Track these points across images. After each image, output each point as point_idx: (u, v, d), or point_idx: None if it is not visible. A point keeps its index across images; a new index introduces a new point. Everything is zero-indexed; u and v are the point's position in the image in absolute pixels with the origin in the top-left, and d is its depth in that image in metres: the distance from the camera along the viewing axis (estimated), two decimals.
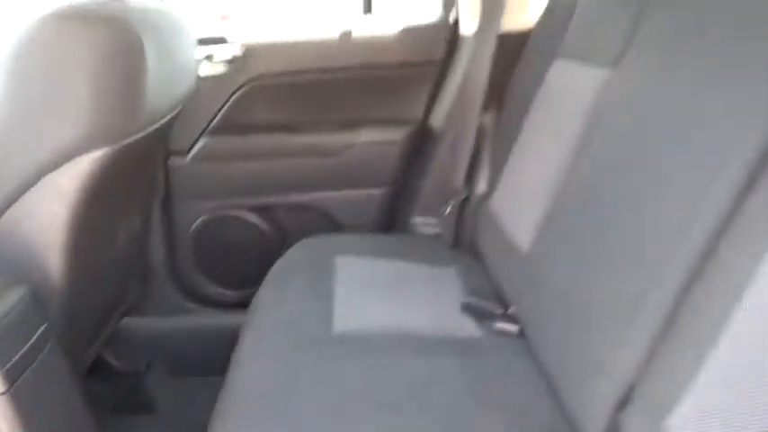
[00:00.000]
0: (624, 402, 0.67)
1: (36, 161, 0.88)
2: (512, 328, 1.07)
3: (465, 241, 1.49)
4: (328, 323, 1.05)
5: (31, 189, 0.89)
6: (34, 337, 0.85)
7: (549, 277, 0.93)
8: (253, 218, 1.64)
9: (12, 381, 0.78)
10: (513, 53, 1.42)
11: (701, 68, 0.72)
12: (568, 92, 1.10)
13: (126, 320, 1.57)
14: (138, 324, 1.60)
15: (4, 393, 0.76)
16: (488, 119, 1.48)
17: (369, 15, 1.65)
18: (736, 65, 0.66)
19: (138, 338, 1.59)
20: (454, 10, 1.56)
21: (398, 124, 1.60)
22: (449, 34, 1.57)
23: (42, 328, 0.88)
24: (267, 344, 1.01)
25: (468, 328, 1.08)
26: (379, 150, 1.61)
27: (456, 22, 1.56)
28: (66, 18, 0.89)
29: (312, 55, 1.56)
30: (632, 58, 0.91)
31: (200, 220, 1.62)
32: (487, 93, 1.44)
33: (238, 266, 1.63)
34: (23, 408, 0.79)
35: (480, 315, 1.12)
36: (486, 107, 1.46)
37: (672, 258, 0.64)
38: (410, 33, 1.57)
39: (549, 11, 1.36)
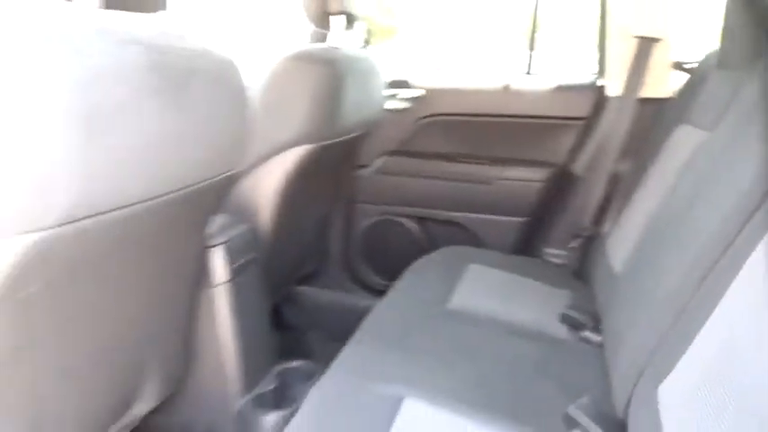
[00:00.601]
0: (640, 377, 0.83)
1: (269, 147, 1.29)
2: (596, 337, 1.22)
3: (587, 273, 1.64)
4: (445, 302, 1.30)
5: (262, 165, 1.29)
6: (249, 257, 1.23)
7: (623, 291, 1.09)
8: (412, 225, 1.95)
9: (233, 276, 1.15)
10: (649, 115, 1.57)
11: (752, 137, 0.86)
12: (679, 149, 1.24)
13: (301, 287, 1.95)
14: (309, 292, 1.97)
15: (228, 282, 1.14)
16: (622, 169, 1.62)
17: (529, 76, 1.88)
18: None
19: (307, 303, 1.96)
20: (603, 76, 1.74)
21: (542, 166, 1.81)
22: (597, 95, 1.74)
23: (254, 253, 1.25)
24: (397, 307, 1.29)
25: (559, 332, 1.26)
26: (523, 186, 1.82)
27: (604, 86, 1.74)
28: (298, 58, 1.32)
29: (478, 101, 1.84)
30: (724, 124, 1.05)
31: (370, 221, 1.96)
32: (624, 147, 1.60)
33: (394, 262, 1.92)
34: (236, 298, 1.16)
35: (574, 325, 1.28)
36: (621, 159, 1.62)
37: (689, 273, 0.80)
38: (562, 91, 1.77)
39: (688, 82, 1.49)
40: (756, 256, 0.66)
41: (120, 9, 0.68)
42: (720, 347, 0.67)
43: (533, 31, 1.83)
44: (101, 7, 0.66)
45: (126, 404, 1.03)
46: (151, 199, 0.71)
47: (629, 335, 0.96)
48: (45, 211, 0.57)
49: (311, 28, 1.61)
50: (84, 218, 0.62)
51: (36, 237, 0.59)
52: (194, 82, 0.72)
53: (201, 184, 0.81)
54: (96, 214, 0.63)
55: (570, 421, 0.89)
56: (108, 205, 0.65)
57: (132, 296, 0.88)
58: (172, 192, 0.74)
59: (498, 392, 0.97)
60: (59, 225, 0.60)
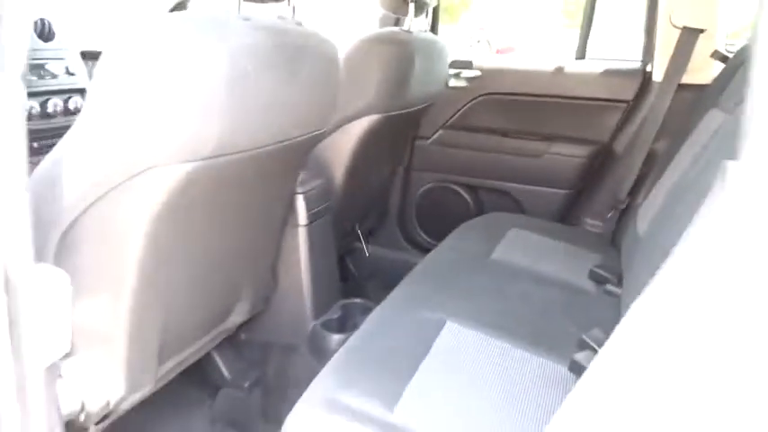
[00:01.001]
0: None
1: (344, 115, 1.52)
2: (619, 290, 1.40)
3: (619, 241, 1.80)
4: (487, 255, 1.50)
5: (339, 130, 1.53)
6: (323, 206, 1.47)
7: (642, 249, 1.27)
8: (462, 192, 2.15)
9: (311, 221, 1.40)
10: (688, 100, 1.70)
11: None
12: (706, 131, 1.39)
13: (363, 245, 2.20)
14: (370, 249, 2.21)
15: (306, 225, 1.39)
16: (659, 148, 1.77)
17: (579, 60, 2.03)
18: None
19: (368, 259, 2.20)
20: (649, 61, 1.87)
21: (586, 143, 1.96)
22: (642, 80, 1.88)
23: (327, 203, 1.50)
24: (444, 257, 1.50)
25: (586, 286, 1.44)
26: (568, 161, 1.99)
27: (650, 71, 1.88)
28: (373, 40, 1.54)
29: (530, 82, 2.00)
30: (741, 107, 1.20)
31: (426, 186, 2.18)
32: (662, 129, 1.75)
33: (445, 225, 2.11)
34: (312, 239, 1.41)
35: (600, 280, 1.46)
36: (658, 140, 1.77)
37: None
38: (609, 75, 1.92)
39: (724, 70, 1.62)
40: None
41: (256, 1, 0.91)
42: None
43: (588, 19, 1.97)
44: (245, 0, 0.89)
45: (226, 313, 1.30)
46: (267, 146, 0.95)
47: (640, 280, 1.14)
48: (201, 146, 0.82)
49: (380, 12, 1.82)
50: (223, 155, 0.86)
51: (191, 166, 0.84)
52: (304, 57, 0.95)
53: (300, 138, 1.04)
54: (231, 153, 0.88)
55: (582, 344, 1.09)
56: (239, 147, 0.89)
57: (242, 224, 1.13)
58: (281, 142, 0.98)
59: (524, 322, 1.18)
60: (208, 158, 0.84)
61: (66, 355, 0.87)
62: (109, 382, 0.97)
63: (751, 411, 0.43)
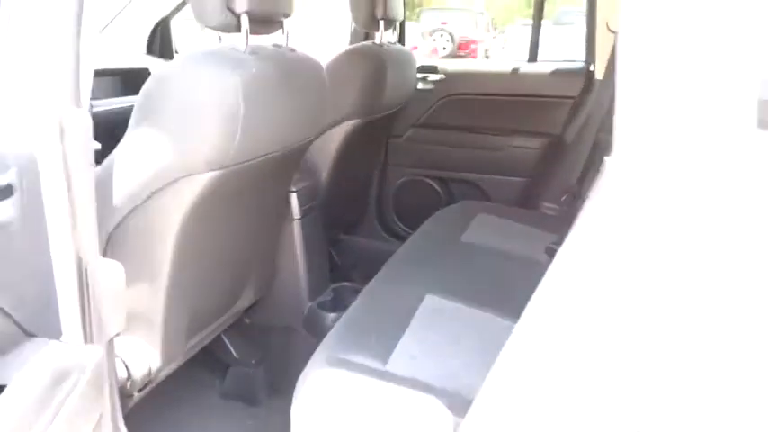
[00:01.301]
0: None
1: (330, 119, 1.71)
2: None
3: (572, 221, 2.04)
4: (458, 238, 1.72)
5: (323, 136, 1.72)
6: (313, 203, 1.67)
7: None
8: (434, 185, 2.37)
9: (302, 216, 1.60)
10: None
11: None
12: None
13: (347, 236, 2.40)
14: (353, 240, 2.41)
15: (299, 219, 1.59)
16: (603, 138, 2.01)
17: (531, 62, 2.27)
18: None
19: (351, 249, 2.40)
20: (592, 61, 2.12)
21: (541, 136, 2.20)
22: (585, 78, 2.12)
23: (316, 201, 1.70)
24: (421, 241, 1.71)
25: (543, 260, 1.67)
26: (525, 152, 2.22)
27: (592, 70, 2.12)
28: (350, 54, 1.74)
29: (489, 83, 2.23)
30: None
31: (400, 181, 2.39)
32: (604, 120, 1.99)
33: (420, 215, 2.31)
34: (304, 231, 1.61)
35: (554, 256, 1.69)
36: (602, 130, 2.00)
37: None
38: (558, 74, 2.16)
39: None
40: None
41: (259, 33, 1.10)
42: None
43: (537, 27, 2.20)
44: (250, 33, 1.07)
45: (234, 298, 1.49)
46: (273, 153, 1.14)
47: None
48: (224, 156, 1.01)
49: (352, 27, 2.02)
50: (241, 163, 1.06)
51: (214, 174, 1.03)
52: (298, 78, 1.15)
53: (297, 145, 1.24)
54: (247, 161, 1.07)
55: None
56: (252, 155, 1.08)
57: (250, 221, 1.32)
58: (283, 148, 1.18)
59: (490, 291, 1.40)
60: (229, 166, 1.03)
61: (116, 334, 1.06)
62: (149, 356, 1.16)
63: (624, 339, 0.63)
